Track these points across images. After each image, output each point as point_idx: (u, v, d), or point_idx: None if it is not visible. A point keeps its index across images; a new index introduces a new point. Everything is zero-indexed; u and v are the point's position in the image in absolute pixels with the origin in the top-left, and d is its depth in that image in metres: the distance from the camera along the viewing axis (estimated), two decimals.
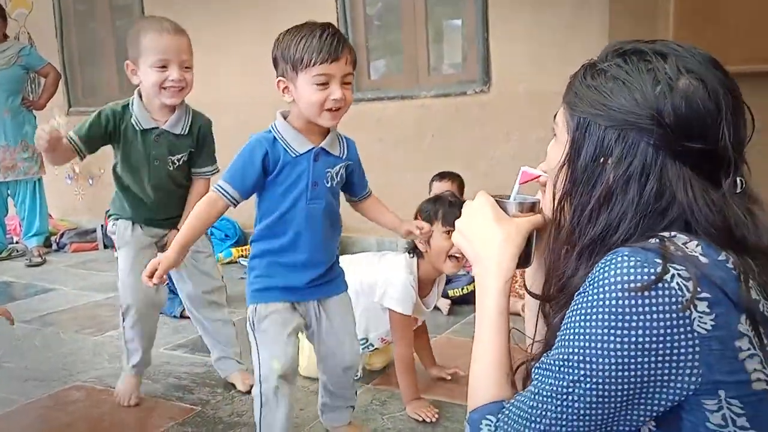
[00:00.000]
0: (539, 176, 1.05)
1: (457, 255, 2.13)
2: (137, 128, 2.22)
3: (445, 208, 2.17)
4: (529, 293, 1.11)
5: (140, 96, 2.24)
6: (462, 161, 3.87)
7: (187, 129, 2.29)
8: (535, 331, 1.06)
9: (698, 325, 0.78)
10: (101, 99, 5.74)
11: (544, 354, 0.88)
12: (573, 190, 0.93)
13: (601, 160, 0.89)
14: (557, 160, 0.96)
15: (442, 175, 3.54)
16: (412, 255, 2.25)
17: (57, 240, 5.23)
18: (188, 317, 3.27)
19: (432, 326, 2.99)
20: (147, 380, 2.56)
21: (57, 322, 3.38)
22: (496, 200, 1.06)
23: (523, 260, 1.04)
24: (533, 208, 1.06)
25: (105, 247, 5.13)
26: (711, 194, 0.86)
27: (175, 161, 2.30)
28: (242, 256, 4.48)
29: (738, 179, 0.88)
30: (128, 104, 2.24)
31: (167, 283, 3.48)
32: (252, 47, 4.66)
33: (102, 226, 5.30)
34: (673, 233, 0.85)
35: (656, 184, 0.86)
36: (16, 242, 5.21)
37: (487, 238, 1.02)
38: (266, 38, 4.79)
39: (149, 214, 2.34)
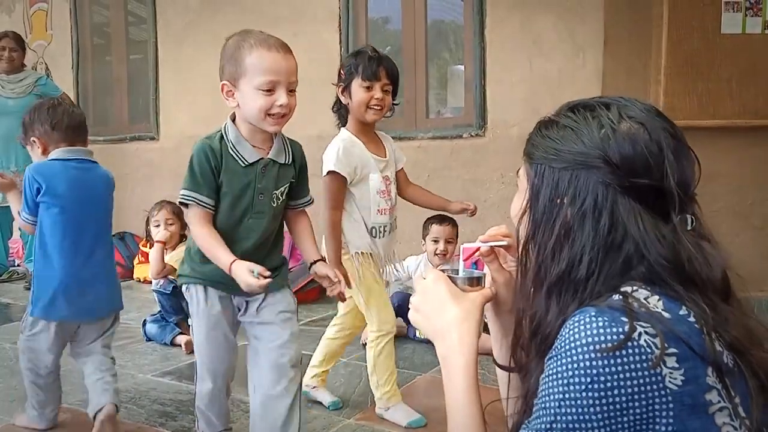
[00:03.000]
0: (479, 248, 1.11)
1: (376, 105, 2.29)
2: (241, 162, 1.86)
3: (364, 63, 2.29)
4: (498, 365, 1.13)
5: (233, 122, 1.91)
6: None
7: (290, 157, 1.96)
8: (510, 392, 1.07)
9: (670, 381, 0.80)
10: (111, 129, 5.95)
11: (524, 423, 0.89)
12: (535, 233, 0.97)
13: (558, 200, 0.94)
14: (519, 209, 1.01)
15: (441, 219, 3.55)
16: (338, 123, 2.43)
17: None
18: (179, 345, 3.35)
19: (418, 364, 3.03)
20: (132, 405, 2.61)
21: None
22: (447, 275, 1.08)
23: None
24: (480, 281, 1.10)
25: None
26: (661, 228, 0.90)
27: (280, 195, 1.95)
28: None
29: (689, 217, 0.92)
30: (222, 135, 1.89)
31: (161, 312, 3.58)
32: None
33: None
34: (635, 288, 0.88)
35: (608, 218, 0.90)
36: (18, 265, 5.29)
37: (445, 316, 1.04)
38: None
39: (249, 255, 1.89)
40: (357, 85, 2.29)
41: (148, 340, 3.52)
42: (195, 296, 1.94)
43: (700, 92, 3.56)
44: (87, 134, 2.39)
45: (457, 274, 1.10)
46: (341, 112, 2.41)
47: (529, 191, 0.98)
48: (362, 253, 2.39)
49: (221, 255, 1.79)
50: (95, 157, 2.38)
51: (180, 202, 1.85)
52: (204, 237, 1.83)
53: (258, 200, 1.89)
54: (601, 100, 0.98)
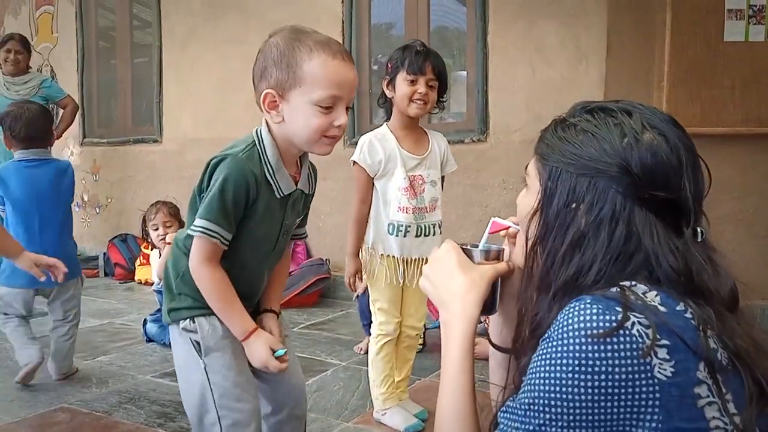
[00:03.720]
0: (509, 227, 1.09)
1: (419, 100, 2.28)
2: (277, 194, 1.48)
3: (411, 57, 2.29)
4: (494, 346, 1.13)
5: (273, 139, 1.47)
6: (457, 208, 3.95)
7: (314, 186, 1.63)
8: (507, 380, 1.06)
9: (659, 372, 0.80)
10: (114, 131, 5.97)
11: (510, 398, 0.90)
12: (546, 236, 0.96)
13: (573, 206, 0.93)
14: (529, 208, 0.99)
15: None
16: (381, 103, 2.44)
17: None
18: None
19: (416, 368, 3.02)
20: (131, 406, 2.61)
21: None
22: (462, 248, 1.08)
23: (488, 307, 1.06)
24: (498, 256, 1.08)
25: (105, 274, 5.23)
26: (675, 241, 0.89)
27: (293, 226, 1.62)
28: None
29: (698, 229, 0.92)
30: (260, 155, 1.46)
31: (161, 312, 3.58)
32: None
33: (104, 254, 5.41)
34: (633, 282, 0.88)
35: (625, 229, 0.89)
36: None
37: (451, 285, 1.04)
38: None
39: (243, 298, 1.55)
40: (401, 79, 2.29)
41: (149, 340, 3.53)
42: (209, 327, 1.49)
43: (703, 99, 3.55)
44: (47, 137, 2.97)
45: (478, 246, 1.09)
46: (387, 105, 2.41)
47: (542, 193, 0.97)
48: (374, 248, 2.39)
49: (238, 316, 1.47)
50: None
51: (197, 234, 1.42)
52: (217, 284, 1.45)
53: (281, 239, 1.56)
54: (620, 105, 0.96)
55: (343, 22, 4.50)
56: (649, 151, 0.90)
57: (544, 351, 0.85)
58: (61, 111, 5.21)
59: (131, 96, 5.73)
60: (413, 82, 2.27)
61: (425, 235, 2.40)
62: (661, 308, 0.85)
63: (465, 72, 4.30)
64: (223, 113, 4.95)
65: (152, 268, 3.75)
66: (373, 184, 2.37)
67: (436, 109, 2.40)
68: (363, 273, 2.43)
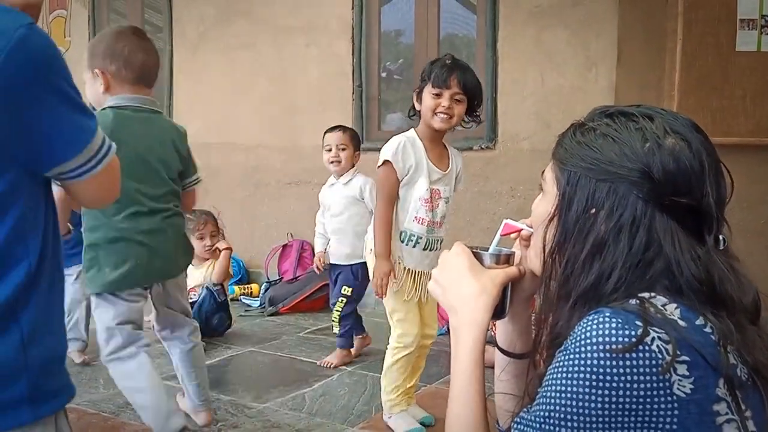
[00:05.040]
0: (521, 229, 1.07)
1: (443, 113, 2.27)
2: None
3: (437, 70, 2.29)
4: (503, 352, 1.11)
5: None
6: (465, 215, 3.94)
7: None
8: (526, 388, 1.03)
9: (678, 389, 0.79)
10: None
11: (524, 409, 0.88)
12: (564, 242, 0.94)
13: (592, 211, 0.91)
14: (545, 213, 0.97)
15: (333, 128, 3.42)
16: (412, 115, 2.45)
17: None
18: None
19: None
20: None
21: None
22: (472, 251, 1.06)
23: (498, 312, 1.04)
24: (508, 260, 1.06)
25: None
26: (697, 249, 0.88)
27: None
28: (244, 293, 4.56)
29: (720, 237, 0.90)
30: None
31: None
32: (264, 95, 4.84)
33: None
34: (652, 294, 0.86)
35: (646, 235, 0.88)
36: None
37: (461, 289, 1.02)
38: (280, 87, 4.97)
39: None
40: (427, 91, 2.30)
41: None
42: None
43: (714, 109, 3.54)
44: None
45: (488, 250, 1.07)
46: (416, 117, 2.41)
47: (559, 198, 0.95)
48: (398, 257, 2.37)
49: None
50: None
51: None
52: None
53: None
54: (641, 109, 0.94)
55: (353, 29, 4.52)
56: (672, 156, 0.88)
57: (562, 363, 0.83)
58: None
59: None
60: (438, 96, 2.27)
61: (431, 250, 2.39)
62: (681, 322, 0.83)
63: None
64: (233, 118, 4.97)
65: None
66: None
67: (471, 123, 2.40)
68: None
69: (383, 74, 4.61)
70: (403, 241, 2.35)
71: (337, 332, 3.30)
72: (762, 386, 0.84)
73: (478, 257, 1.06)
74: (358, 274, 3.21)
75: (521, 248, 1.08)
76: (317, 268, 3.44)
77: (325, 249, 3.38)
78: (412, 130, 2.39)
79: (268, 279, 4.22)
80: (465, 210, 3.97)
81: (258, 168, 4.81)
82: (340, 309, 3.28)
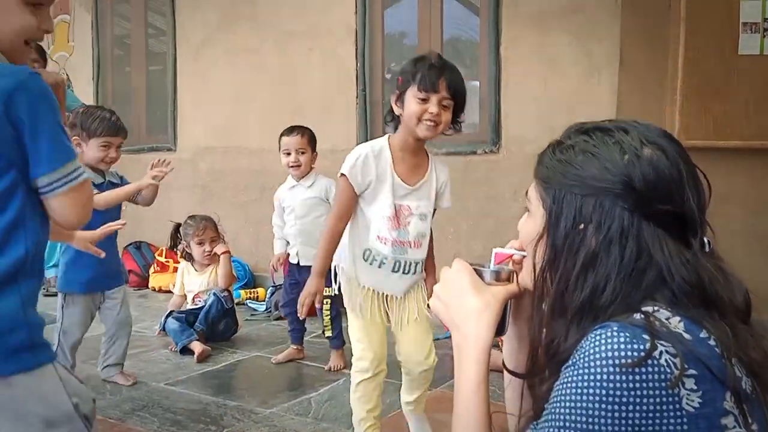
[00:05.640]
0: (512, 255, 1.08)
1: (430, 120, 2.02)
2: None
3: (423, 71, 2.01)
4: (510, 372, 1.12)
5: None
6: (470, 219, 3.96)
7: None
8: (522, 407, 1.05)
9: (687, 403, 0.79)
10: (129, 139, 5.88)
11: (531, 426, 0.89)
12: (555, 259, 0.95)
13: (581, 227, 0.92)
14: (534, 233, 0.98)
15: (290, 130, 3.38)
16: (389, 120, 2.19)
17: None
18: (191, 352, 3.37)
19: None
20: (144, 413, 2.63)
21: None
22: (473, 268, 1.07)
23: (499, 329, 1.05)
24: (509, 277, 1.08)
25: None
26: (685, 253, 0.90)
27: None
28: (250, 298, 4.58)
29: (705, 240, 0.93)
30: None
31: (189, 313, 3.61)
32: (268, 99, 4.85)
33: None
34: (655, 308, 0.87)
35: (635, 245, 0.89)
36: None
37: (464, 306, 1.03)
38: (284, 91, 4.96)
39: None
40: (411, 95, 2.02)
41: (163, 329, 3.62)
42: None
43: (717, 113, 3.55)
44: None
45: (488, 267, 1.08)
46: (395, 123, 2.15)
47: (546, 217, 0.96)
48: (350, 271, 2.18)
49: None
50: (114, 165, 2.92)
51: None
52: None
53: None
54: (615, 123, 0.97)
55: (356, 33, 4.53)
56: (651, 166, 0.91)
57: (569, 379, 0.84)
58: None
59: (146, 104, 5.79)
60: (424, 101, 2.00)
61: (404, 272, 2.15)
62: (686, 335, 0.84)
63: (478, 82, 4.31)
64: (236, 122, 4.99)
65: (177, 279, 3.84)
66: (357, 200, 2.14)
67: (450, 130, 2.12)
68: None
69: (388, 76, 4.63)
70: (366, 260, 2.14)
71: (330, 335, 3.30)
72: (759, 387, 0.85)
73: (478, 274, 1.07)
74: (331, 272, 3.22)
75: (516, 273, 1.09)
76: (273, 267, 3.46)
77: (286, 251, 3.41)
78: (385, 138, 2.16)
79: (274, 283, 4.23)
80: (469, 214, 3.98)
81: (262, 172, 4.83)
82: (329, 311, 3.26)
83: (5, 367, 1.19)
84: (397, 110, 2.10)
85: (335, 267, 2.25)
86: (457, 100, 2.06)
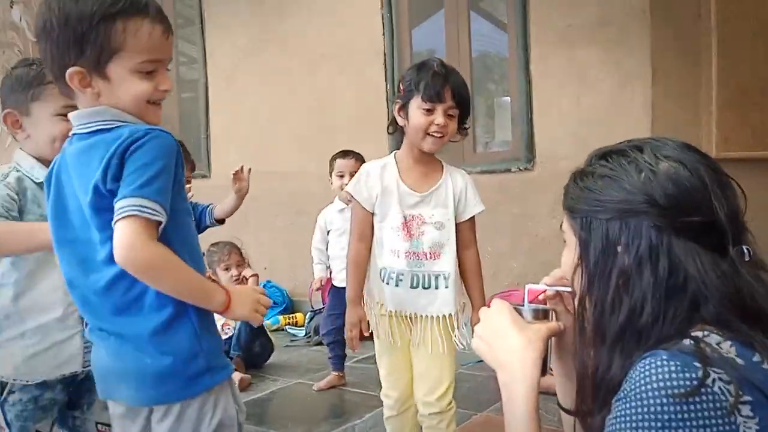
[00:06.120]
0: (545, 290, 1.11)
1: (436, 132, 1.94)
2: None
3: (427, 80, 1.92)
4: (564, 410, 1.12)
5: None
6: (506, 237, 3.95)
7: None
8: None
9: (744, 431, 0.78)
10: None
11: None
12: (590, 285, 0.96)
13: (611, 251, 0.93)
14: (571, 263, 1.00)
15: (345, 153, 3.43)
16: (391, 131, 2.10)
17: None
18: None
19: (473, 403, 2.99)
20: None
21: None
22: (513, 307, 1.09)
23: (542, 369, 1.05)
24: (547, 315, 1.10)
25: None
26: (720, 265, 0.88)
27: None
28: (289, 323, 4.62)
29: (744, 248, 0.91)
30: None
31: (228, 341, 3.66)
32: (300, 122, 4.90)
33: None
34: (705, 332, 0.86)
35: (667, 261, 0.89)
36: None
37: (507, 345, 1.04)
38: (315, 114, 4.96)
39: None
40: (416, 106, 1.93)
41: None
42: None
43: (754, 123, 3.51)
44: None
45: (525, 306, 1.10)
46: (396, 135, 2.08)
47: (578, 245, 0.98)
48: (371, 296, 2.08)
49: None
50: None
51: None
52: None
53: None
54: (631, 143, 0.99)
55: (384, 54, 4.56)
56: (669, 179, 0.91)
57: (623, 412, 0.83)
58: None
59: (179, 132, 5.87)
60: (430, 111, 1.91)
61: (424, 287, 2.01)
62: (738, 360, 0.83)
63: (509, 98, 4.30)
64: (270, 146, 5.04)
65: None
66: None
67: (458, 136, 2.03)
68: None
69: None
70: (384, 280, 2.03)
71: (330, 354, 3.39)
72: None
73: (518, 312, 1.09)
74: None
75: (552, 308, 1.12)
76: (314, 288, 3.52)
77: (328, 275, 3.45)
78: (392, 155, 2.08)
79: (312, 308, 4.26)
80: (506, 232, 3.97)
81: (297, 195, 4.87)
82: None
83: (187, 392, 1.29)
84: (401, 121, 2.01)
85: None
86: (463, 109, 1.99)
